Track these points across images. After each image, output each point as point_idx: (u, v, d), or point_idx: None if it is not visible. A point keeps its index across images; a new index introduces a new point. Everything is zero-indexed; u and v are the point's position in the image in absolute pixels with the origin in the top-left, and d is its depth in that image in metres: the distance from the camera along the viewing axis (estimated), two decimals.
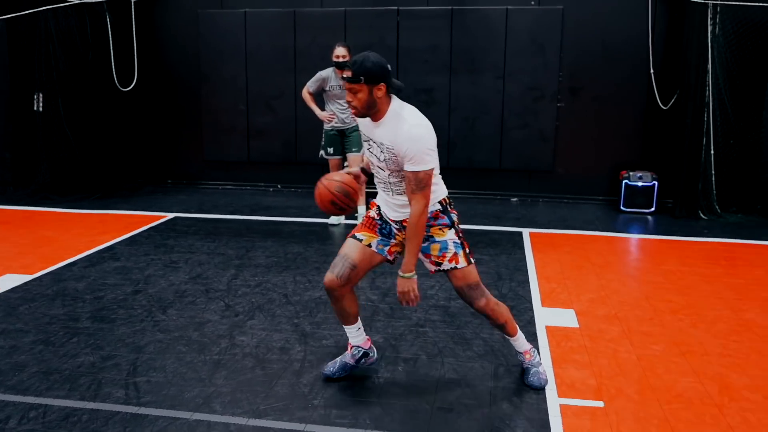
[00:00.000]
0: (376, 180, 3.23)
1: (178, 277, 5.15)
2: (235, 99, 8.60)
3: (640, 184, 7.53)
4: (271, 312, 4.42)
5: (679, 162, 7.39)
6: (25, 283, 4.97)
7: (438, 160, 3.03)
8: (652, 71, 7.60)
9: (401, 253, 3.19)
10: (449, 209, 3.19)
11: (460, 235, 3.20)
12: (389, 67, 2.98)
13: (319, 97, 6.71)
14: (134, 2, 8.46)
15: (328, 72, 6.47)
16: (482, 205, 7.95)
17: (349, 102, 2.98)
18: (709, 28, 7.01)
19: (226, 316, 4.34)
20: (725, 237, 6.55)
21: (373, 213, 3.32)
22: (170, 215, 7.30)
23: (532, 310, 4.51)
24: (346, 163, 6.82)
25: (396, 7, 8.05)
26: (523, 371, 3.47)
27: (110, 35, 8.24)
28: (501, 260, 5.67)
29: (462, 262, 3.15)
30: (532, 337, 3.97)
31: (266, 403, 3.21)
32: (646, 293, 4.88)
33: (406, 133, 2.91)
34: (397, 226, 3.24)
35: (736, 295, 4.85)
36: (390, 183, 3.12)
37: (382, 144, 3.03)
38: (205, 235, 6.44)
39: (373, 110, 3.00)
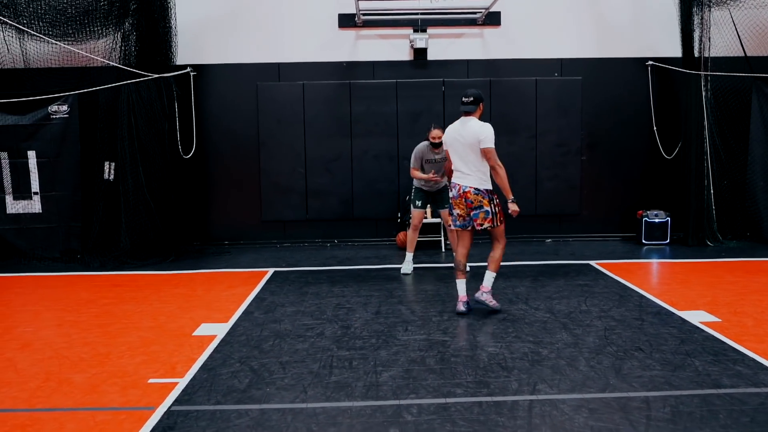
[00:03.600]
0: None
1: (364, 314, 5.86)
2: (294, 163, 9.35)
3: (657, 220, 9.09)
4: (477, 329, 5.28)
5: (687, 201, 9.02)
6: (233, 329, 5.49)
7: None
8: (655, 128, 9.29)
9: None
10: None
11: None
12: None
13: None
14: (193, 75, 9.09)
15: (423, 148, 7.37)
16: (525, 246, 9.17)
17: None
18: (703, 93, 8.81)
19: (452, 335, 5.16)
20: (741, 257, 8.15)
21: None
22: (269, 270, 7.87)
23: (675, 313, 5.69)
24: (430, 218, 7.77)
25: (441, 79, 9.28)
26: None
27: (176, 107, 8.80)
28: (602, 284, 6.86)
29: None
30: (696, 330, 5.14)
31: (591, 382, 4.11)
32: (736, 296, 6.22)
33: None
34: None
35: None
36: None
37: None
38: (331, 283, 7.11)
39: None
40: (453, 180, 5.72)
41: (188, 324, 5.68)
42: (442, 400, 3.94)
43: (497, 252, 5.72)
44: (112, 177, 8.50)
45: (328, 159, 9.37)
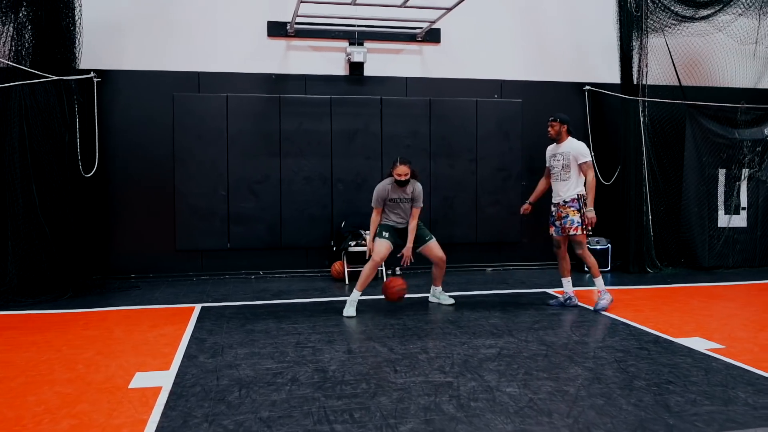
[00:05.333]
0: (554, 179, 6.50)
1: (335, 354, 4.96)
2: (215, 184, 8.27)
3: (598, 247, 8.87)
4: (477, 367, 4.56)
5: (626, 227, 8.88)
6: (181, 378, 4.40)
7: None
8: (592, 153, 9.11)
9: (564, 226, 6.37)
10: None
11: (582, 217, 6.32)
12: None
13: None
14: (97, 82, 7.86)
15: (386, 186, 6.34)
16: (470, 275, 8.61)
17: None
18: (641, 119, 8.77)
19: (454, 375, 4.38)
20: (690, 283, 8.06)
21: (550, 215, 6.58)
22: (195, 305, 6.74)
23: (675, 341, 5.26)
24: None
25: (379, 96, 8.62)
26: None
27: (77, 116, 7.52)
28: (575, 312, 6.40)
29: (579, 231, 6.34)
30: (710, 359, 4.73)
31: (649, 423, 3.48)
32: (718, 322, 5.96)
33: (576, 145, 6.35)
34: (555, 209, 6.50)
35: (767, 313, 6.18)
36: (561, 175, 6.38)
37: (565, 153, 6.36)
38: (277, 319, 6.14)
39: (559, 137, 6.44)
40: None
41: (118, 374, 4.51)
42: None
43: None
44: None
45: (253, 180, 8.37)
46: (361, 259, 8.06)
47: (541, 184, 6.77)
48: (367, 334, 5.60)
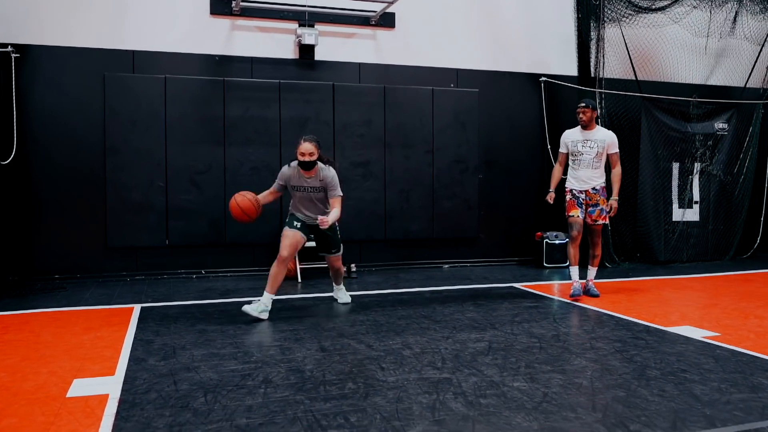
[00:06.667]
0: (580, 165, 6.32)
1: (307, 352, 4.38)
2: (152, 175, 7.48)
3: (557, 242, 8.61)
4: (472, 361, 4.10)
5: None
6: (130, 384, 3.71)
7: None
8: (549, 146, 8.91)
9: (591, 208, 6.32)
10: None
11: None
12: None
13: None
14: (15, 58, 6.97)
15: (291, 170, 5.47)
16: (429, 271, 8.17)
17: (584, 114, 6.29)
18: (599, 111, 8.58)
19: (446, 371, 3.89)
20: (653, 276, 7.91)
21: (570, 197, 6.36)
22: (133, 306, 5.98)
23: (667, 330, 4.97)
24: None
25: (331, 83, 8.07)
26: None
27: None
28: (552, 305, 6.05)
29: (607, 221, 6.43)
30: (713, 347, 4.44)
31: (687, 415, 3.09)
32: (701, 310, 5.75)
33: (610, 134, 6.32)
34: (584, 196, 6.31)
35: (743, 302, 6.00)
36: (593, 162, 6.26)
37: (599, 141, 6.24)
38: (231, 318, 5.48)
39: (590, 123, 6.26)
40: None
41: (51, 381, 3.77)
42: None
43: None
44: None
45: (195, 171, 7.64)
46: (314, 255, 7.47)
47: (558, 171, 6.58)
48: (336, 331, 5.03)
